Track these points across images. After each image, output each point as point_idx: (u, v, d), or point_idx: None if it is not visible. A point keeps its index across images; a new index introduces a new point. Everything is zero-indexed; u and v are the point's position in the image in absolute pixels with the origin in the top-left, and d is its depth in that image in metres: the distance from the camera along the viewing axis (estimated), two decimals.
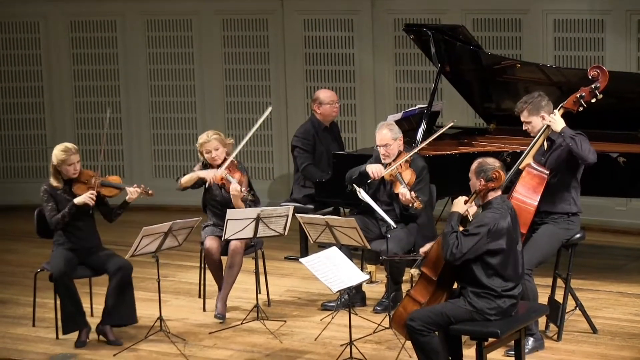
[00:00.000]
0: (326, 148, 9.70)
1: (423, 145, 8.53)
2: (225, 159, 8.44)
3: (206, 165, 8.50)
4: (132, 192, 7.93)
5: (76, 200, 7.82)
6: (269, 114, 8.89)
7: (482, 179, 6.70)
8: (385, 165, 8.35)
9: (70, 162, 7.86)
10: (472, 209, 6.81)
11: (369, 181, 8.34)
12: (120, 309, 7.81)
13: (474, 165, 6.76)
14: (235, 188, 8.25)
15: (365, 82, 11.25)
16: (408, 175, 8.27)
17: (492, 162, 6.75)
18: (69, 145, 7.94)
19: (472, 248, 6.55)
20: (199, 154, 8.53)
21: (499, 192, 6.77)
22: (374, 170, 8.30)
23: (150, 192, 7.97)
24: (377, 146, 8.42)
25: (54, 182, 7.92)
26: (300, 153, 9.66)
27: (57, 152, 7.91)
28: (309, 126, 9.78)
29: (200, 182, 8.48)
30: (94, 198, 7.82)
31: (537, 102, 7.53)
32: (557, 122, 7.44)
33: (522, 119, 7.58)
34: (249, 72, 11.55)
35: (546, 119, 7.47)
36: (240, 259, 8.29)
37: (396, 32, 11.01)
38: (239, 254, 8.27)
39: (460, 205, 6.73)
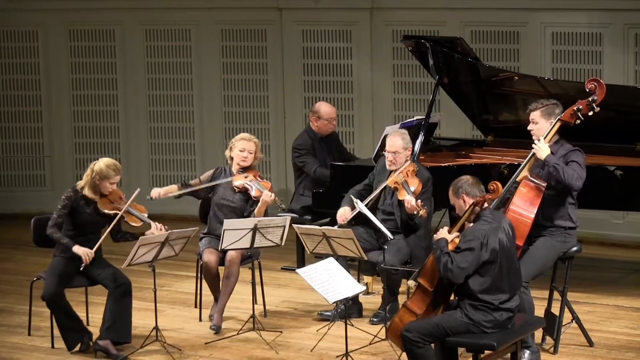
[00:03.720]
0: (323, 159, 9.69)
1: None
2: (250, 166, 8.42)
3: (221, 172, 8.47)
4: (155, 229, 7.86)
5: (74, 249, 7.75)
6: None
7: (464, 195, 6.71)
8: (390, 174, 8.34)
9: (112, 180, 7.80)
10: (453, 234, 6.79)
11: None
12: (119, 325, 7.78)
13: (450, 191, 6.79)
14: (268, 195, 8.24)
15: (363, 93, 11.26)
16: (415, 183, 8.26)
17: (466, 178, 6.78)
18: (117, 164, 7.86)
19: (472, 263, 6.56)
20: (228, 149, 8.47)
21: (487, 205, 6.80)
22: (339, 215, 8.34)
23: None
24: (385, 151, 8.40)
25: (89, 193, 7.78)
26: (306, 159, 9.63)
27: (103, 167, 7.79)
28: (306, 137, 9.78)
29: (204, 192, 8.47)
30: (89, 260, 7.76)
31: (552, 108, 7.56)
32: (542, 150, 7.45)
33: (532, 117, 7.58)
34: (247, 82, 11.56)
35: (535, 144, 7.48)
36: (237, 269, 8.28)
37: (394, 44, 11.03)
38: (235, 264, 8.26)
39: (444, 233, 6.74)
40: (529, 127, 7.62)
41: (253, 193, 8.34)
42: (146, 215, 7.96)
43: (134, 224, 7.92)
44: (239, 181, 8.39)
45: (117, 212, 7.83)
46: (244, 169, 8.45)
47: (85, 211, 7.85)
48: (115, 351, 7.77)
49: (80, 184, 7.87)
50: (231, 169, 8.49)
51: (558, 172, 7.36)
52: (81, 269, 7.81)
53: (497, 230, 6.65)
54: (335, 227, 8.07)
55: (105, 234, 7.85)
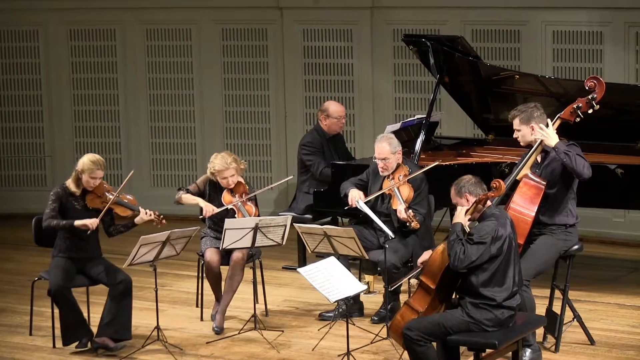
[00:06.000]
0: (330, 159, 9.67)
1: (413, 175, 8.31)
2: (238, 182, 8.33)
3: (213, 183, 8.42)
4: (144, 214, 7.88)
5: (76, 223, 7.76)
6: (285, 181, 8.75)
7: (467, 194, 6.72)
8: (384, 179, 8.35)
9: (94, 175, 7.80)
10: (468, 216, 6.82)
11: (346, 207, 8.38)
12: (118, 323, 7.78)
13: (452, 190, 6.80)
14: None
15: (364, 92, 11.26)
16: (406, 191, 8.24)
17: (468, 177, 6.79)
18: (101, 159, 7.85)
19: (480, 256, 6.58)
20: (209, 173, 8.36)
21: (490, 203, 6.82)
22: (352, 197, 8.30)
23: (163, 221, 7.94)
24: (375, 158, 8.42)
25: (72, 186, 7.84)
26: (314, 158, 9.63)
27: (86, 160, 7.82)
28: (315, 135, 9.78)
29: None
30: (95, 226, 7.76)
31: (530, 113, 7.54)
32: (551, 137, 7.43)
33: (514, 126, 7.60)
34: (248, 81, 11.56)
35: (535, 130, 7.47)
36: (241, 270, 8.27)
37: (395, 43, 11.03)
38: (240, 265, 8.25)
39: (461, 216, 6.75)
40: (514, 135, 7.61)
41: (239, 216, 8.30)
42: (135, 204, 7.97)
43: (123, 215, 7.93)
44: (228, 202, 8.31)
45: (106, 204, 7.84)
46: (231, 189, 8.39)
47: (75, 208, 7.85)
48: (114, 344, 7.77)
49: (68, 180, 7.90)
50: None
51: (570, 159, 7.32)
52: (88, 232, 7.77)
53: (505, 225, 6.68)
54: (347, 208, 8.17)
55: (100, 216, 7.77)
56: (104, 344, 7.78)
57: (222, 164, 8.27)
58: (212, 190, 8.42)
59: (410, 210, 8.08)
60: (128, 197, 8.02)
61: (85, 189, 7.87)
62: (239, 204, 8.28)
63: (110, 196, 7.86)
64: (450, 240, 6.66)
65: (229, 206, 8.29)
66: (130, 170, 11.73)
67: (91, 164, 7.81)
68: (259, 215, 8.28)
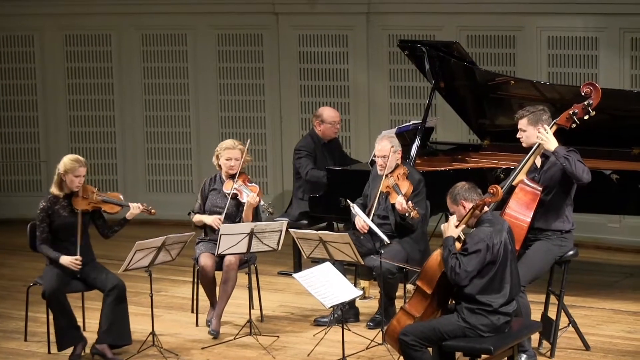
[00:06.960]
0: (323, 164, 9.67)
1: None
2: (241, 173, 8.42)
3: (211, 181, 8.45)
4: (134, 208, 7.91)
5: (61, 261, 7.73)
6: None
7: (462, 201, 6.73)
8: (382, 177, 8.36)
9: (77, 173, 7.80)
10: (459, 228, 6.81)
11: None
12: (116, 328, 7.77)
13: (448, 200, 6.80)
14: (253, 197, 8.24)
15: (360, 98, 11.26)
16: (405, 186, 8.29)
17: (462, 184, 6.79)
18: (80, 157, 7.89)
19: (478, 265, 6.57)
20: (214, 157, 8.48)
21: (487, 209, 6.82)
22: (359, 225, 8.31)
23: (152, 211, 7.96)
24: (374, 156, 8.44)
25: (55, 190, 7.84)
26: (302, 161, 9.63)
27: (66, 160, 7.84)
28: (309, 140, 9.79)
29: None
30: (77, 266, 7.75)
31: (539, 114, 7.56)
32: (550, 141, 7.44)
33: (519, 126, 7.59)
34: (244, 86, 11.56)
35: (541, 134, 7.47)
36: (234, 274, 8.28)
37: (391, 48, 11.04)
38: (233, 269, 8.26)
39: (452, 229, 6.75)
40: (517, 135, 7.62)
41: (244, 199, 8.33)
42: (121, 197, 7.97)
43: (112, 211, 7.94)
44: (229, 188, 8.38)
45: (94, 204, 7.83)
46: (233, 175, 8.45)
47: (62, 214, 7.84)
48: (112, 355, 7.76)
49: (51, 187, 7.91)
50: (221, 177, 8.49)
51: (569, 163, 7.33)
52: (78, 276, 7.83)
53: (500, 232, 6.68)
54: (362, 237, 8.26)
55: (79, 231, 7.74)
56: (103, 352, 7.76)
57: (229, 143, 8.43)
58: (213, 185, 8.44)
59: (409, 202, 8.10)
60: (112, 193, 8.06)
61: (69, 193, 7.85)
62: (241, 185, 8.31)
63: (96, 196, 7.87)
64: (443, 257, 6.66)
65: (229, 191, 8.30)
66: (125, 175, 11.83)
67: (72, 162, 7.81)
68: (260, 194, 8.32)
